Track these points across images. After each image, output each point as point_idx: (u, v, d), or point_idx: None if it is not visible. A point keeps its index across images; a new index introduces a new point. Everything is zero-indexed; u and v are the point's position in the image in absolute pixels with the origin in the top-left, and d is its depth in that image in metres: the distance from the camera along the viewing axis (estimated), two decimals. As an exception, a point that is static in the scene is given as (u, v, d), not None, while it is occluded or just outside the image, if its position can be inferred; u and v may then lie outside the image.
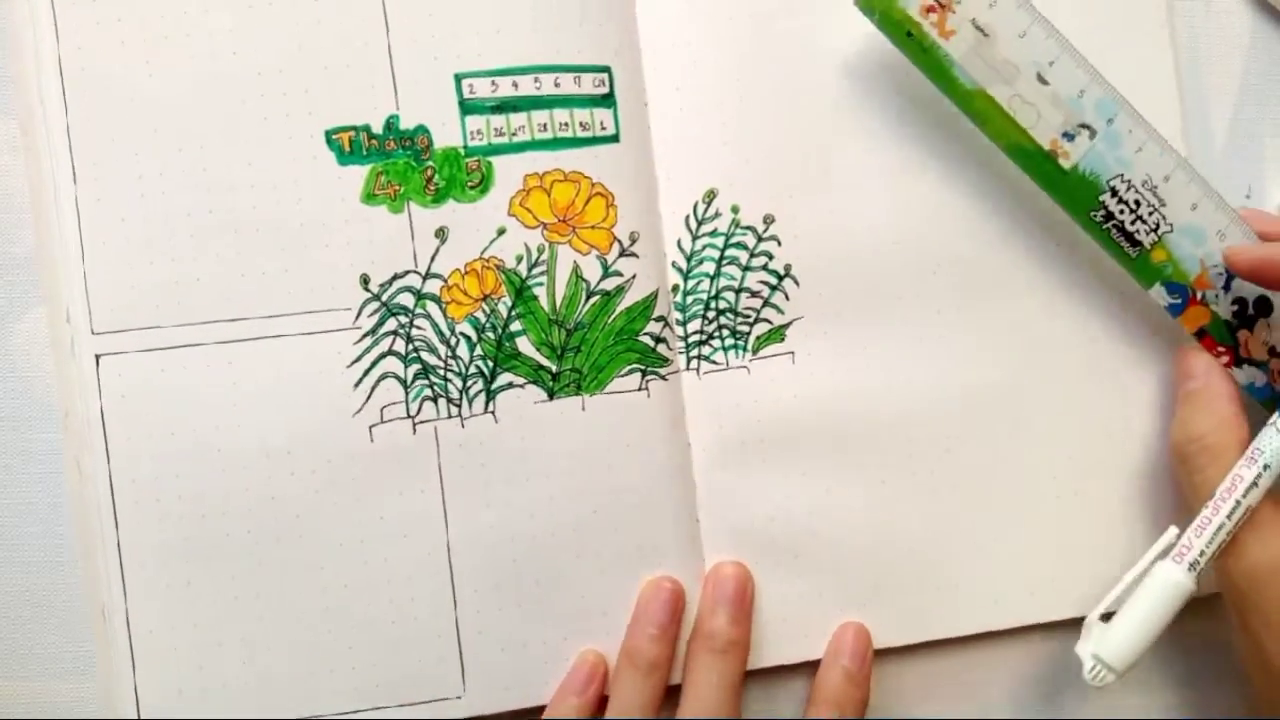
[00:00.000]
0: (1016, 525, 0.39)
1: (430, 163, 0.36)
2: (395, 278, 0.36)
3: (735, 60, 0.38)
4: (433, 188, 0.36)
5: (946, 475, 0.39)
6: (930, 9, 0.35)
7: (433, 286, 0.36)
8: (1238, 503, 0.34)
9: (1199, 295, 0.37)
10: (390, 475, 0.36)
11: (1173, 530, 0.35)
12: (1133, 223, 0.36)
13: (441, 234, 0.36)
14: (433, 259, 0.36)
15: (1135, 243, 0.36)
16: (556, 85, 0.37)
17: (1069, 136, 0.36)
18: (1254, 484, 0.34)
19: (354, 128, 0.36)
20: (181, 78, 0.36)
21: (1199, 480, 0.36)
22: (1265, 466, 0.34)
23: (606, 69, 0.37)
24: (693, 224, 0.38)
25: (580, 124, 0.37)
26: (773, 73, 0.38)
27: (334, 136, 0.36)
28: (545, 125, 0.37)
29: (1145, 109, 0.36)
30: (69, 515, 0.36)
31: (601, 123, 0.37)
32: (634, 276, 0.37)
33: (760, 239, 0.38)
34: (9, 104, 0.36)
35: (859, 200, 0.38)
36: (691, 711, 0.36)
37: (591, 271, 0.37)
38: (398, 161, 0.36)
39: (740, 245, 0.38)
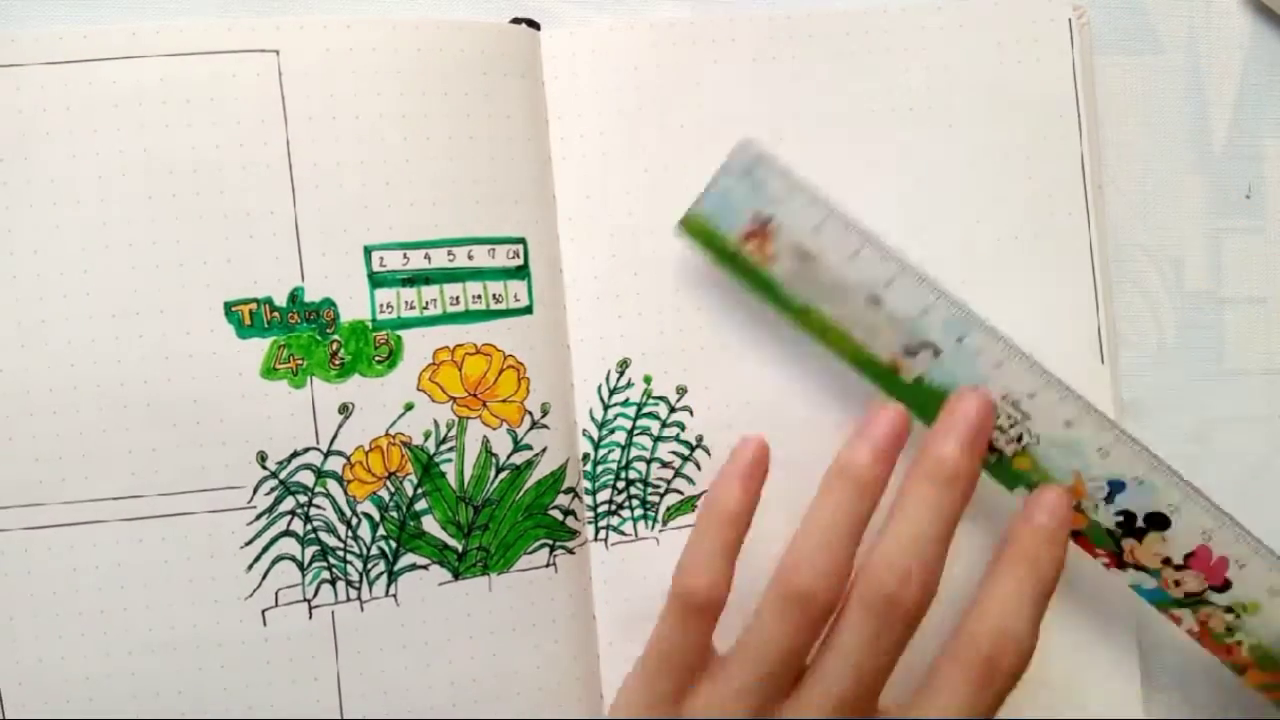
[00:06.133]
0: None
1: (336, 336, 0.35)
2: (294, 455, 0.35)
3: (653, 232, 0.37)
4: (337, 362, 0.35)
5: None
6: (750, 235, 0.35)
7: (334, 464, 0.35)
8: None
9: (1074, 503, 0.35)
10: (283, 662, 0.35)
11: None
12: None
13: (345, 410, 0.35)
14: (335, 436, 0.35)
15: (994, 450, 0.35)
16: (470, 258, 0.36)
17: (910, 353, 0.35)
18: None
19: (255, 300, 0.34)
20: (71, 243, 0.34)
21: None
22: None
23: (521, 240, 0.36)
24: (605, 393, 0.38)
25: (494, 296, 0.36)
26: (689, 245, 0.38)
27: (234, 309, 0.34)
28: (457, 298, 0.36)
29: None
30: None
31: (515, 295, 0.36)
32: (544, 449, 0.37)
33: (673, 409, 0.38)
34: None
35: (773, 373, 0.38)
36: (896, 539, 0.32)
37: (501, 446, 0.36)
38: (301, 335, 0.35)
39: (652, 415, 0.38)
